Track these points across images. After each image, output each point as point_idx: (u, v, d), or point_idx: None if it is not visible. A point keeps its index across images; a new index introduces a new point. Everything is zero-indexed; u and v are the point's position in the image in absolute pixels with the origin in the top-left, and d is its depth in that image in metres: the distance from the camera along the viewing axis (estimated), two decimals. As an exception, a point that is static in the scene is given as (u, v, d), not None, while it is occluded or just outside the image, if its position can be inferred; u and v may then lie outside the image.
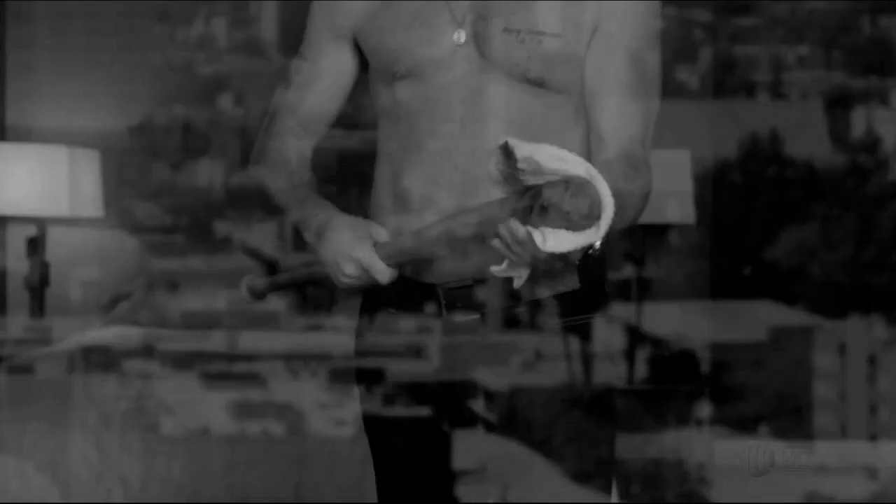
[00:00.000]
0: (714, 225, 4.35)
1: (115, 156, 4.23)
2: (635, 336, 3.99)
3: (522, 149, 1.65)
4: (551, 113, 1.84)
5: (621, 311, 4.03)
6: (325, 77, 1.95)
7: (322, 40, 1.95)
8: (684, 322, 4.25)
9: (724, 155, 4.57)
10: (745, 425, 4.06)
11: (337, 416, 1.60)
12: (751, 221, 4.58)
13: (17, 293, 4.09)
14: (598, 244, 1.66)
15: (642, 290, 4.17)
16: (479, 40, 1.84)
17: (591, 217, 1.63)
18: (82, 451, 2.78)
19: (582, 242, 1.63)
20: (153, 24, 4.80)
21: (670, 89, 4.85)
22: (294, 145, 1.97)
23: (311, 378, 1.61)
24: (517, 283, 1.69)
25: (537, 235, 1.63)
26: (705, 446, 3.76)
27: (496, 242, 1.67)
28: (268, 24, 4.49)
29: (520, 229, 1.64)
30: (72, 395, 2.82)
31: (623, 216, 1.72)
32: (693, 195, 4.15)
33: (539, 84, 1.83)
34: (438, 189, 1.84)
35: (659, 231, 4.24)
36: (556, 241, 1.63)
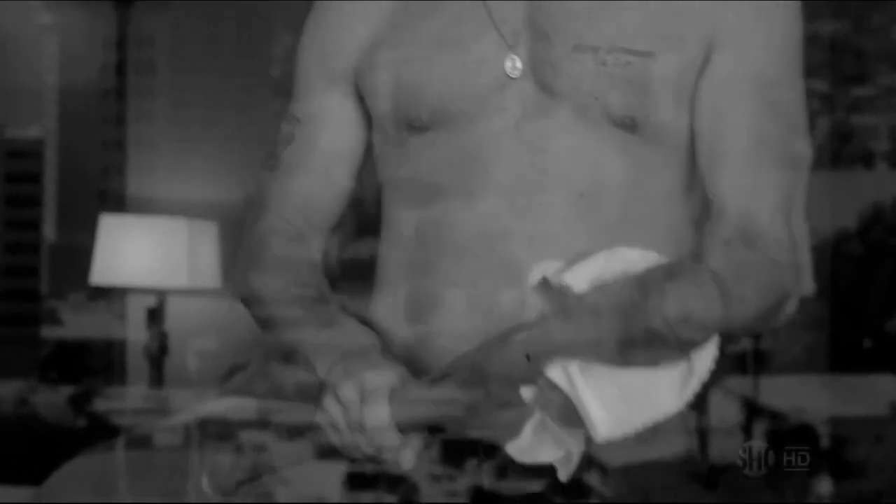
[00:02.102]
0: (833, 296, 4.28)
1: (232, 227, 4.29)
2: (752, 409, 3.94)
3: (575, 276, 1.07)
4: (647, 176, 1.28)
5: (738, 383, 3.98)
6: (327, 144, 1.40)
7: (316, 92, 1.41)
8: (803, 395, 4.18)
9: (844, 225, 4.50)
10: (866, 502, 3.98)
11: (449, 489, 1.60)
12: (871, 293, 4.51)
13: (136, 363, 4.15)
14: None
15: (759, 363, 4.12)
16: (538, 67, 1.28)
17: (707, 330, 1.03)
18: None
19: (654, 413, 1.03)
20: (271, 98, 4.88)
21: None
22: (295, 248, 1.42)
23: (423, 450, 1.60)
24: (563, 474, 1.16)
25: (578, 381, 1.02)
26: (826, 523, 3.68)
27: (527, 393, 1.12)
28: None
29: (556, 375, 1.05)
30: (188, 467, 2.84)
31: (738, 316, 1.20)
32: (811, 266, 4.09)
33: (629, 127, 1.26)
34: (476, 294, 1.27)
35: (776, 303, 4.19)
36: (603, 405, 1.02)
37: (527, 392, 1.12)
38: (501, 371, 1.15)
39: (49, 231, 5.81)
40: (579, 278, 1.08)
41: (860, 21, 5.04)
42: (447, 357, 1.26)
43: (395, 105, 1.32)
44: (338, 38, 1.37)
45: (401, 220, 1.36)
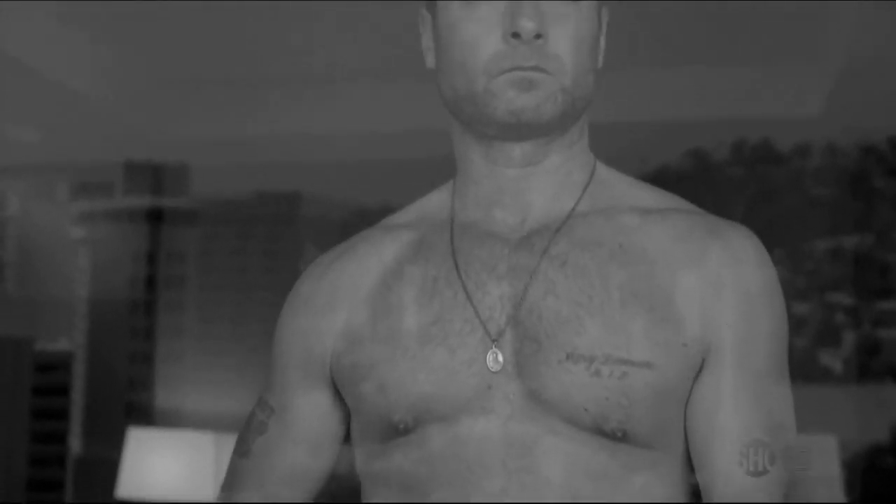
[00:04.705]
0: (865, 511, 4.22)
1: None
2: None
3: None
4: (641, 475, 1.22)
5: None
6: (303, 435, 1.33)
7: (292, 384, 1.33)
8: None
9: (875, 439, 4.47)
10: None
11: None
12: (904, 508, 4.45)
13: (159, 579, 4.10)
14: None
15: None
16: (527, 371, 1.21)
17: None
18: None
19: None
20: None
21: (814, 374, 4.80)
22: None
23: None
24: None
25: None
26: None
27: None
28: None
29: None
30: None
31: None
32: (842, 481, 4.05)
33: (619, 438, 1.21)
34: None
35: (808, 518, 4.14)
36: None
37: None
38: None
39: (75, 444, 5.80)
40: None
41: (884, 235, 5.07)
42: None
43: (377, 406, 1.25)
44: (316, 331, 1.31)
45: None
